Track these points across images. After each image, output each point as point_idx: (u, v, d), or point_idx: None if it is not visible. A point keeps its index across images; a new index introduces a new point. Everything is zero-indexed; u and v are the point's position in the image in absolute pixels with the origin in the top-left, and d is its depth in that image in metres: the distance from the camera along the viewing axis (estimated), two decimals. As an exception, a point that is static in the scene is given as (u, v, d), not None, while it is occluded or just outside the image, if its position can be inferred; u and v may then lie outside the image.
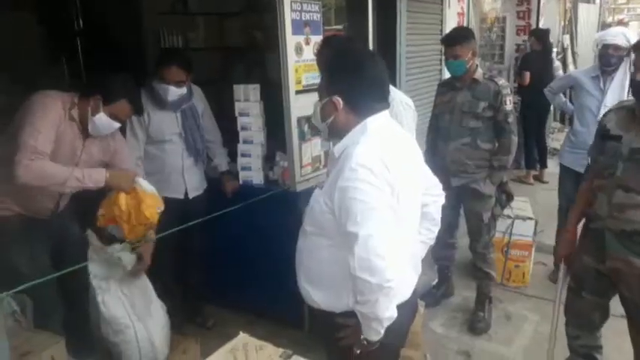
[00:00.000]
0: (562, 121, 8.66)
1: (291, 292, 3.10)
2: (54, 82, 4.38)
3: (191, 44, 4.75)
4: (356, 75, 1.64)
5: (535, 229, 3.95)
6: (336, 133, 1.70)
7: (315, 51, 2.96)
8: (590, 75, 3.73)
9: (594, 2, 11.48)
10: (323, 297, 1.71)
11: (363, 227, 1.47)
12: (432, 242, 1.93)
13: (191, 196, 3.12)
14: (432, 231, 1.90)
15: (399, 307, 1.62)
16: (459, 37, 3.12)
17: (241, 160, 3.20)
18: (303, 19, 2.93)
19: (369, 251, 1.46)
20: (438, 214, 1.90)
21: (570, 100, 4.28)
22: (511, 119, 3.11)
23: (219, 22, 4.85)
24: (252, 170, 3.19)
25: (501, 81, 3.16)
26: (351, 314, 1.62)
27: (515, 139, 3.15)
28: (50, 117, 2.24)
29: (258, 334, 2.02)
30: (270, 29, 3.52)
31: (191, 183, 3.12)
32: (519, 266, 3.87)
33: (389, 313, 1.54)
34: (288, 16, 2.81)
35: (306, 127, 3.10)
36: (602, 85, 3.62)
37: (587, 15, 10.35)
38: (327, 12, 4.15)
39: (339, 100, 1.63)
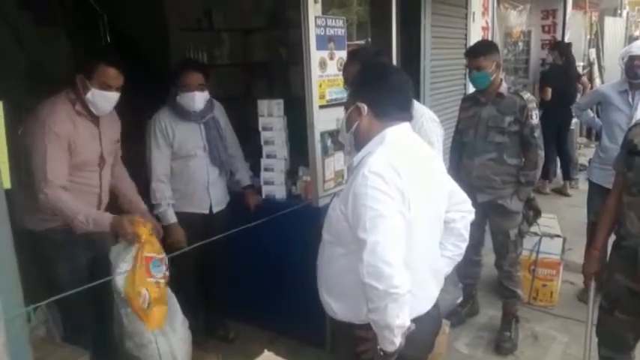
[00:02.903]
0: (588, 136, 8.52)
1: (314, 309, 3.09)
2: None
3: (216, 60, 4.80)
4: (381, 81, 1.69)
5: (563, 246, 3.86)
6: (358, 142, 1.72)
7: (340, 65, 2.97)
8: (618, 90, 3.66)
9: (621, 15, 11.32)
10: (342, 308, 1.72)
11: (372, 234, 1.48)
12: (458, 258, 1.91)
13: (215, 210, 3.12)
14: (459, 247, 1.88)
15: (418, 319, 1.61)
16: (482, 48, 3.10)
17: (264, 175, 3.21)
18: (327, 34, 2.93)
19: (377, 257, 1.47)
20: (465, 231, 1.88)
21: (598, 116, 4.20)
22: (537, 134, 3.05)
23: (243, 38, 4.89)
24: (274, 185, 3.19)
25: (527, 95, 3.12)
26: (370, 327, 1.60)
27: (542, 153, 3.09)
28: (60, 139, 2.29)
29: (280, 352, 2.00)
30: (294, 44, 3.55)
31: (216, 197, 3.12)
32: (547, 285, 3.77)
33: (399, 321, 1.51)
34: (313, 32, 2.82)
35: (329, 142, 3.09)
36: (630, 99, 3.55)
37: (613, 28, 10.21)
38: (350, 27, 4.16)
39: (363, 106, 1.67)
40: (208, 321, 3.36)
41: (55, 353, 2.24)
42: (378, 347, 1.58)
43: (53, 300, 1.74)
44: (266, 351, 1.85)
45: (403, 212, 1.54)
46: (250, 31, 4.81)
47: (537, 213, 3.34)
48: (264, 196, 3.21)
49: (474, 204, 3.00)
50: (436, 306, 1.79)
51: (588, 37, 8.73)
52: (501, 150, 3.10)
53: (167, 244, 2.81)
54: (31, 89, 3.84)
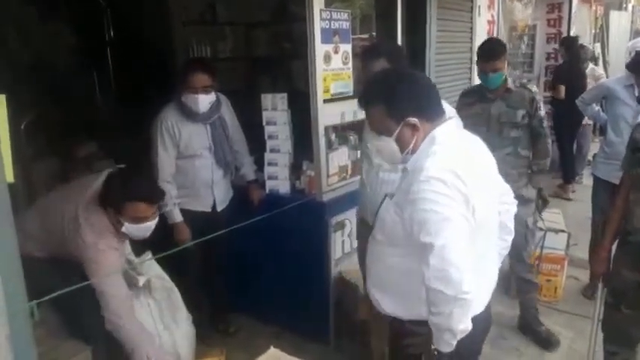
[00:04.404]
0: (593, 131, 8.47)
1: (318, 304, 3.12)
2: (84, 92, 4.51)
3: (219, 54, 4.77)
4: (417, 86, 1.63)
5: (568, 242, 3.84)
6: (412, 153, 1.63)
7: (345, 59, 2.95)
8: (624, 84, 3.64)
9: (626, 9, 11.24)
10: (392, 303, 1.70)
11: (438, 238, 1.44)
12: (505, 252, 1.91)
13: (219, 208, 3.12)
14: (506, 240, 1.86)
15: (472, 319, 1.57)
16: (499, 50, 3.06)
17: (268, 169, 3.19)
18: (332, 27, 2.91)
19: (445, 261, 1.43)
20: (511, 223, 1.85)
21: (603, 110, 4.17)
22: (545, 124, 3.10)
23: (247, 32, 4.87)
24: (278, 179, 3.18)
25: (534, 87, 3.14)
26: (421, 322, 1.59)
27: (550, 142, 3.15)
28: (119, 273, 2.29)
29: (284, 347, 2.00)
30: (298, 38, 3.53)
31: (219, 196, 3.12)
32: (551, 280, 3.75)
33: (463, 325, 1.49)
34: (318, 25, 2.80)
35: (333, 136, 3.07)
36: (637, 93, 3.52)
37: (618, 22, 10.14)
38: (353, 21, 4.14)
39: (416, 120, 1.58)
40: (210, 316, 3.36)
41: (58, 348, 2.24)
42: (433, 347, 1.56)
43: (55, 300, 1.72)
44: (272, 347, 1.84)
45: (467, 217, 1.50)
46: (254, 24, 4.79)
47: (546, 202, 3.36)
48: (267, 191, 3.20)
49: None
50: (488, 307, 1.78)
51: (593, 31, 8.67)
52: (516, 144, 3.10)
53: (173, 242, 2.82)
54: (34, 84, 3.86)
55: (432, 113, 1.61)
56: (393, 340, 1.80)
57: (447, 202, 1.46)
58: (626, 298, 2.33)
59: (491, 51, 3.07)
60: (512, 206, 1.85)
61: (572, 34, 6.89)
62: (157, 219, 2.29)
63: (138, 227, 2.23)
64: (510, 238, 1.87)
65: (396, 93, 1.60)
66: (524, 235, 3.19)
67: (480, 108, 3.15)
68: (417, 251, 1.51)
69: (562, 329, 3.41)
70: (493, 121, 3.10)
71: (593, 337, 2.55)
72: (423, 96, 1.62)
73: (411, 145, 1.60)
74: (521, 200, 3.10)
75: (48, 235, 2.33)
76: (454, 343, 1.52)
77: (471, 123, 3.16)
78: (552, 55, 6.92)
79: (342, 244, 3.17)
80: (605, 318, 2.47)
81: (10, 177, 1.31)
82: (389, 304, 1.70)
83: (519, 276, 3.33)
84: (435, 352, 1.56)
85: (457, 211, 1.48)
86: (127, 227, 2.22)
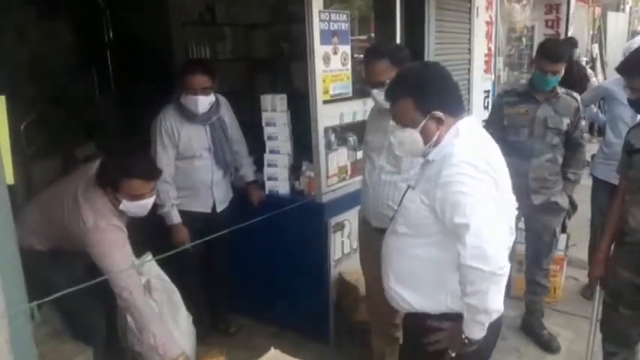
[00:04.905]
0: (590, 132, 8.48)
1: (317, 304, 3.12)
2: (83, 92, 4.50)
3: (219, 55, 4.78)
4: (443, 81, 1.69)
5: (567, 242, 3.85)
6: (434, 145, 1.68)
7: (344, 60, 2.97)
8: (622, 85, 3.63)
9: (624, 11, 11.27)
10: (416, 298, 1.70)
11: (474, 218, 1.48)
12: (508, 252, 1.89)
13: (219, 209, 3.12)
14: (509, 240, 1.85)
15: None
16: (563, 52, 3.01)
17: (268, 170, 3.20)
18: (331, 28, 2.91)
19: (482, 239, 1.46)
20: (513, 223, 1.85)
21: (602, 111, 4.18)
22: (584, 135, 3.10)
23: (246, 33, 4.87)
24: (278, 180, 3.18)
25: (578, 96, 3.10)
26: (447, 317, 1.64)
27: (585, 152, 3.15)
28: (123, 249, 2.28)
29: (284, 346, 2.00)
30: (297, 39, 3.53)
31: (219, 197, 3.12)
32: (550, 281, 3.73)
33: (497, 304, 1.53)
34: (317, 26, 2.80)
35: (332, 137, 3.08)
36: (627, 95, 3.53)
37: (616, 24, 10.16)
38: (352, 22, 4.14)
39: (441, 114, 1.63)
40: (210, 316, 3.36)
41: (58, 349, 2.24)
42: (463, 336, 1.58)
43: (57, 298, 1.72)
44: (273, 348, 1.84)
45: (497, 199, 1.56)
46: (253, 25, 4.79)
47: (575, 207, 3.29)
48: (267, 192, 3.21)
49: (529, 207, 2.98)
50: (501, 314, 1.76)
51: (591, 32, 8.68)
52: (556, 151, 3.05)
53: (171, 243, 2.82)
54: (34, 84, 3.86)
55: (455, 108, 1.67)
56: (410, 341, 1.80)
57: (478, 185, 1.52)
58: (624, 299, 2.34)
59: (558, 52, 2.96)
60: (514, 209, 1.85)
61: (569, 35, 6.90)
62: (154, 197, 2.33)
63: (135, 204, 2.26)
64: (513, 238, 1.85)
65: (424, 87, 1.65)
66: (549, 244, 3.17)
67: (524, 109, 3.04)
68: (444, 238, 1.57)
69: (561, 330, 3.41)
70: (538, 124, 3.00)
71: (591, 338, 2.55)
72: (448, 91, 1.68)
73: (435, 138, 1.65)
74: (555, 208, 3.10)
75: (49, 225, 2.34)
76: (486, 326, 1.56)
77: (511, 123, 3.07)
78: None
79: (341, 244, 3.18)
80: (604, 319, 2.48)
81: (10, 179, 1.31)
82: (414, 298, 1.70)
83: (534, 279, 3.29)
84: (466, 341, 1.58)
85: (489, 194, 1.53)
86: (125, 205, 2.25)
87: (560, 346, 3.24)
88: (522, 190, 2.91)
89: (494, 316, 1.56)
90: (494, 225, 1.51)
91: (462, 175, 1.52)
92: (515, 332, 3.38)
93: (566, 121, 2.99)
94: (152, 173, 2.32)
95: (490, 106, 5.02)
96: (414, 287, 1.70)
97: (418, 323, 1.72)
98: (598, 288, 2.55)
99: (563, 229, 3.30)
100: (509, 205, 1.71)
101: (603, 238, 2.50)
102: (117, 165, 2.23)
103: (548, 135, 3.01)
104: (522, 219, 3.19)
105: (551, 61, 2.91)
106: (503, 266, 1.48)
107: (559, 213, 3.14)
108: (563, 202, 3.12)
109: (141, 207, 2.29)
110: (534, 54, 3.30)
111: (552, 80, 2.95)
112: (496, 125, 3.10)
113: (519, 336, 3.35)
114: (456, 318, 1.62)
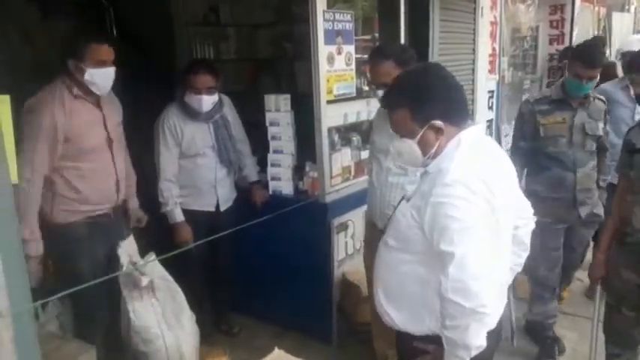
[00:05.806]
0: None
1: (320, 304, 3.12)
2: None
3: (223, 55, 4.78)
4: (443, 88, 1.55)
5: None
6: (434, 156, 1.56)
7: (348, 60, 2.95)
8: (620, 86, 3.66)
9: (629, 11, 11.22)
10: (401, 317, 1.62)
11: (459, 246, 1.38)
12: (518, 269, 1.81)
13: (222, 208, 3.11)
14: (520, 256, 1.78)
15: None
16: (602, 59, 2.92)
17: (271, 170, 3.19)
18: (335, 28, 2.91)
19: (465, 272, 1.37)
20: (527, 239, 1.78)
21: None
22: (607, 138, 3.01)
23: (250, 33, 4.87)
24: (281, 180, 3.18)
25: (604, 98, 3.03)
26: (430, 339, 1.54)
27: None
28: (40, 137, 2.25)
29: (287, 347, 1.99)
30: (301, 40, 3.53)
31: (223, 195, 3.12)
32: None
33: (479, 341, 1.43)
34: (321, 26, 2.80)
35: (336, 137, 3.08)
36: (632, 93, 3.54)
37: (621, 24, 10.12)
38: (356, 22, 4.14)
39: (440, 123, 1.51)
40: (213, 315, 3.36)
41: (61, 348, 2.24)
42: None
43: (66, 294, 1.72)
44: (276, 349, 1.83)
45: (491, 226, 1.44)
46: (257, 26, 4.79)
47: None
48: (271, 192, 3.21)
49: (575, 220, 2.89)
50: (500, 322, 1.70)
51: (596, 32, 8.64)
52: (595, 158, 2.95)
53: (174, 242, 2.82)
54: (37, 84, 3.86)
55: (457, 117, 1.55)
56: (403, 356, 1.74)
57: (470, 209, 1.41)
58: (627, 300, 2.33)
59: (596, 58, 2.82)
60: (530, 221, 1.77)
61: (574, 35, 6.88)
62: (114, 68, 2.41)
63: (99, 72, 2.34)
64: (525, 255, 1.79)
65: (422, 95, 1.53)
66: (581, 255, 3.10)
67: (561, 117, 2.89)
68: (432, 259, 1.47)
69: (566, 331, 3.40)
70: (576, 131, 2.87)
71: (594, 339, 2.54)
72: (448, 98, 1.55)
73: (434, 149, 1.54)
74: (596, 220, 2.95)
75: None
76: None
77: (549, 134, 2.90)
78: (555, 57, 6.89)
79: (345, 245, 3.17)
80: (606, 320, 2.47)
81: (14, 177, 1.31)
82: (398, 317, 1.62)
83: (554, 287, 3.14)
84: None
85: (481, 220, 1.42)
86: (90, 73, 2.32)
87: (565, 347, 3.21)
88: (569, 203, 2.84)
89: (474, 353, 1.44)
90: (483, 256, 1.40)
91: (454, 197, 1.41)
92: (519, 333, 3.35)
93: (600, 125, 2.90)
94: (112, 40, 2.45)
95: (495, 107, 5.02)
96: (399, 306, 1.62)
97: (405, 344, 1.65)
98: (599, 288, 2.54)
99: (594, 239, 3.17)
100: (509, 227, 1.61)
101: (602, 239, 2.49)
102: (82, 34, 2.39)
103: (588, 142, 2.89)
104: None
105: (588, 67, 2.77)
106: (486, 304, 1.37)
107: (597, 224, 3.01)
108: (601, 211, 2.99)
109: (105, 76, 2.36)
110: (564, 58, 3.18)
111: (588, 86, 2.82)
112: (529, 136, 2.98)
113: (520, 336, 3.33)
114: (440, 341, 1.50)
